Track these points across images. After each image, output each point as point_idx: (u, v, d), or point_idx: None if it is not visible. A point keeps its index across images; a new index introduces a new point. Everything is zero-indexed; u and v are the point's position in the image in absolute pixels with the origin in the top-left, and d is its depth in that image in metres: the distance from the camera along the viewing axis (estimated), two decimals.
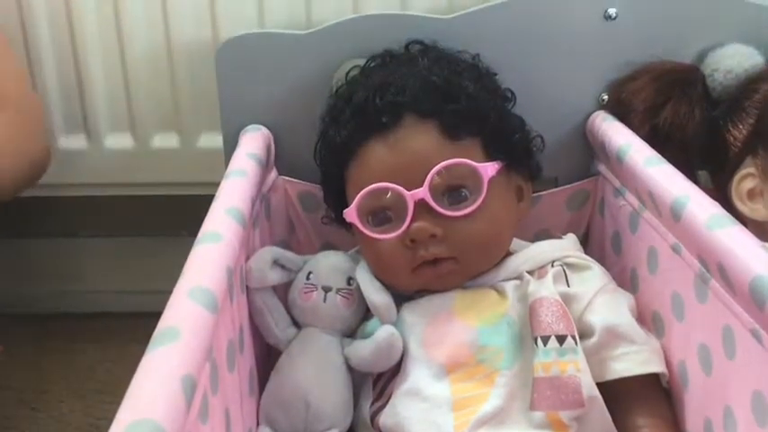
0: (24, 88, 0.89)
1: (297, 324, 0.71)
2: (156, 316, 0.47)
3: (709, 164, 0.78)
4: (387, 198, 0.66)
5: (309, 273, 0.71)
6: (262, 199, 0.75)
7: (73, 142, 0.96)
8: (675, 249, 0.61)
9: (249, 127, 0.80)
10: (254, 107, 0.81)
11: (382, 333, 0.65)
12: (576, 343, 0.61)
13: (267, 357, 0.72)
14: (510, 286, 0.67)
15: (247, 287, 0.67)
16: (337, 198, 0.72)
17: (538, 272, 0.68)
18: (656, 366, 0.63)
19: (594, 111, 0.81)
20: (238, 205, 0.63)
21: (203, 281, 0.51)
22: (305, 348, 0.69)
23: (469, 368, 0.63)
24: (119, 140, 0.96)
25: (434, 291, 0.68)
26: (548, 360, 0.61)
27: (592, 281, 0.67)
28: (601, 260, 0.73)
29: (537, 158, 0.74)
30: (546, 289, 0.65)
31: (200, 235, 0.57)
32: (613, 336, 0.63)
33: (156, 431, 0.37)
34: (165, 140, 0.96)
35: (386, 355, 0.65)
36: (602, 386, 0.62)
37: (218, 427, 0.51)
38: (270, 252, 0.69)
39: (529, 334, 0.63)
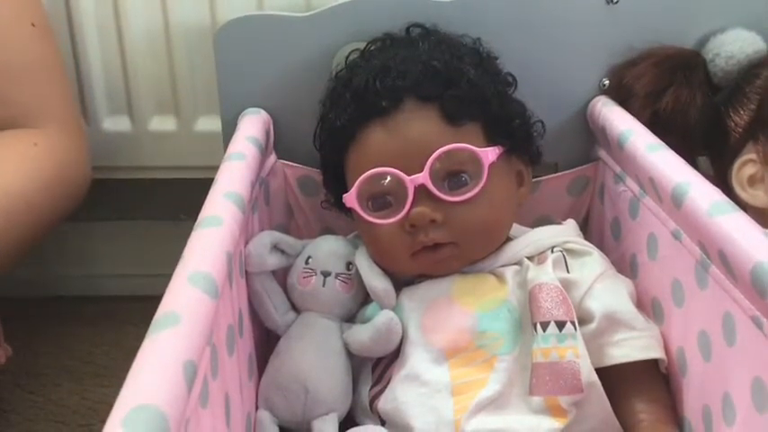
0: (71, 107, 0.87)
1: (296, 308, 0.71)
2: (154, 299, 0.47)
3: (710, 150, 0.78)
4: (386, 183, 0.65)
5: (308, 257, 0.71)
6: (261, 183, 0.74)
7: None
8: (676, 236, 0.61)
9: (248, 110, 0.79)
10: (253, 90, 0.80)
11: (381, 318, 0.65)
12: (575, 329, 0.61)
13: (266, 342, 0.72)
14: (509, 272, 0.67)
15: (246, 271, 0.67)
16: (337, 182, 0.72)
17: (537, 257, 0.68)
18: (656, 352, 0.63)
19: (595, 96, 0.80)
20: (237, 189, 0.62)
21: (203, 266, 0.50)
22: (304, 333, 0.69)
23: (469, 353, 0.63)
24: (116, 123, 0.96)
25: (433, 276, 0.68)
26: (547, 346, 0.61)
27: (591, 267, 0.67)
28: (600, 246, 0.73)
29: (537, 143, 0.74)
30: (546, 275, 0.65)
31: (199, 219, 0.57)
32: (613, 322, 0.63)
33: (157, 417, 0.37)
34: (162, 123, 0.95)
35: (385, 339, 0.65)
36: (601, 372, 0.62)
37: (218, 411, 0.51)
38: (269, 236, 0.69)
39: (528, 320, 0.63)
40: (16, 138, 0.81)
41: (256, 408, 0.67)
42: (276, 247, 0.70)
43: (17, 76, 0.82)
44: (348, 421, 0.67)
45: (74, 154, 0.86)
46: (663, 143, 0.67)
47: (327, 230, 0.81)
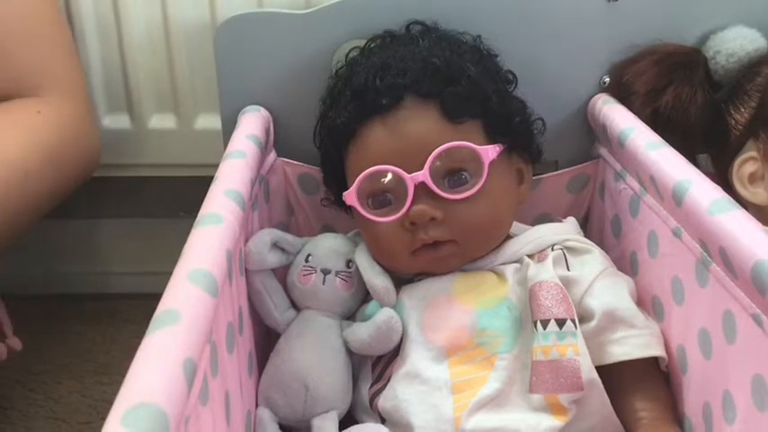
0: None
1: (296, 306, 0.71)
2: (154, 297, 0.47)
3: (710, 147, 0.78)
4: (386, 181, 0.65)
5: (308, 255, 0.71)
6: (261, 181, 0.74)
7: None
8: (676, 233, 0.61)
9: (248, 108, 0.79)
10: (253, 88, 0.80)
11: (381, 316, 0.65)
12: (575, 326, 0.61)
13: (266, 339, 0.72)
14: (510, 270, 0.67)
15: (246, 269, 0.67)
16: (337, 180, 0.72)
17: (538, 255, 0.68)
18: (656, 350, 0.63)
19: (596, 93, 0.80)
20: (237, 187, 0.62)
21: (203, 263, 0.50)
22: (304, 331, 0.69)
23: (468, 351, 0.63)
24: (116, 121, 0.95)
25: (433, 274, 0.68)
26: (547, 343, 0.61)
27: (592, 264, 0.67)
28: (601, 244, 0.73)
29: (538, 141, 0.74)
30: (546, 272, 0.64)
31: (199, 217, 0.57)
32: (613, 320, 0.63)
33: (157, 415, 0.37)
34: (162, 121, 0.95)
35: (385, 337, 0.65)
36: (601, 370, 0.62)
37: (218, 409, 0.51)
38: (269, 234, 0.69)
39: (528, 317, 0.64)
40: (20, 106, 0.80)
41: (256, 405, 0.67)
42: (276, 245, 0.70)
43: (20, 43, 0.80)
44: (348, 419, 0.67)
45: (80, 123, 0.84)
46: (663, 141, 0.67)
47: (327, 228, 0.81)
